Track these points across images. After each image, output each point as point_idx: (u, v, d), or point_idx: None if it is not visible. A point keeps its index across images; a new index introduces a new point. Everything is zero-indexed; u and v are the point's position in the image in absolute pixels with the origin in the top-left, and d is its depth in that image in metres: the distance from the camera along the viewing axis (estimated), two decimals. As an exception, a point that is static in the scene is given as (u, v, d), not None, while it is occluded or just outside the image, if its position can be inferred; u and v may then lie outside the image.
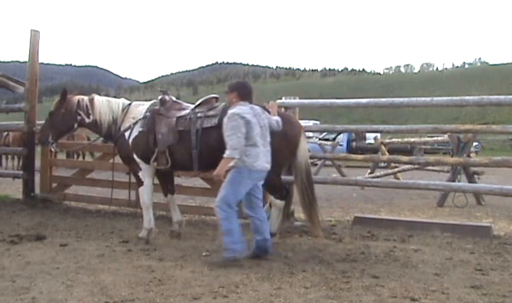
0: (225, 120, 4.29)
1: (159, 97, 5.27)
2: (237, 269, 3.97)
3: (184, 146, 4.93)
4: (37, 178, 7.66)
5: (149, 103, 5.38)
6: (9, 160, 16.20)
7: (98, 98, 5.43)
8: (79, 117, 5.34)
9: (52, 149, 6.29)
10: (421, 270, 4.05)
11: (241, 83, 4.78)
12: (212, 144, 4.84)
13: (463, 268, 4.12)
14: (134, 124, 5.16)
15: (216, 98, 5.23)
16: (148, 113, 5.15)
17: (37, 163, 7.70)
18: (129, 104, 5.39)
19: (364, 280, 3.72)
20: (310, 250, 4.73)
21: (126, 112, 5.28)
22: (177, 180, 7.01)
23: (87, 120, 5.35)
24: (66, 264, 4.09)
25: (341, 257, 4.46)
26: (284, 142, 4.83)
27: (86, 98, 5.42)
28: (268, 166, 4.37)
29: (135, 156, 5.13)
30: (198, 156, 4.90)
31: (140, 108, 5.29)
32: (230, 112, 4.28)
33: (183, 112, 5.07)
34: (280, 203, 4.97)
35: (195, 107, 5.09)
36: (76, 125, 5.46)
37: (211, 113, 4.95)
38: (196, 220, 6.44)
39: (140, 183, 5.19)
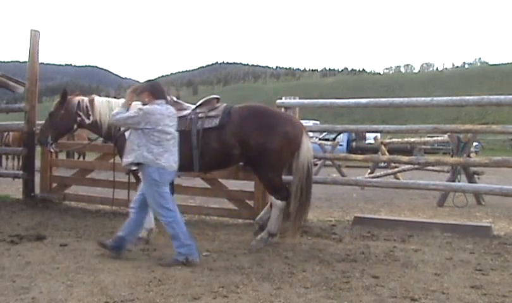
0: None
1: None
2: (237, 269, 3.97)
3: (185, 147, 4.90)
4: (37, 178, 7.66)
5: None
6: (9, 159, 16.20)
7: (98, 99, 5.42)
8: (79, 118, 5.33)
9: (52, 150, 6.27)
10: (421, 270, 4.05)
11: (152, 83, 4.80)
12: (213, 145, 4.85)
13: (463, 268, 4.12)
14: None
15: (217, 98, 5.23)
16: None
17: (37, 163, 7.70)
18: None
19: (364, 280, 3.72)
20: (310, 250, 4.73)
21: None
22: (177, 181, 7.01)
23: (87, 121, 5.34)
24: (66, 264, 4.08)
25: (341, 257, 4.46)
26: (284, 143, 4.84)
27: (86, 99, 5.41)
28: (175, 166, 4.43)
29: None
30: (199, 156, 4.89)
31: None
32: (143, 107, 4.38)
33: (184, 112, 5.06)
34: (281, 204, 4.96)
35: (196, 107, 5.09)
36: (75, 126, 5.45)
37: (212, 113, 4.95)
38: (196, 220, 6.44)
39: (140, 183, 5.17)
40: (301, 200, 4.90)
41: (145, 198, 4.40)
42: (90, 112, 5.31)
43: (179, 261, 4.11)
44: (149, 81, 4.87)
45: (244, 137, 4.83)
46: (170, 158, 4.32)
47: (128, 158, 4.36)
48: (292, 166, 5.08)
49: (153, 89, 4.48)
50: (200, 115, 4.98)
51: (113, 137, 5.34)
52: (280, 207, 4.98)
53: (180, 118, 4.98)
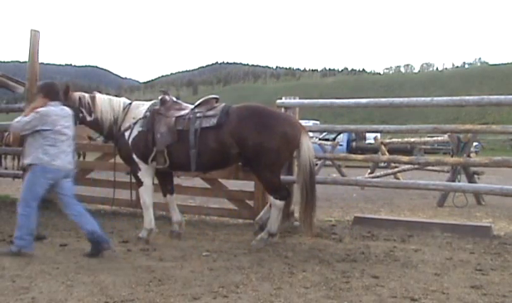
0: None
1: (159, 97, 5.26)
2: (237, 269, 3.98)
3: (182, 146, 4.93)
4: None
5: (149, 103, 5.36)
6: (9, 159, 16.18)
7: (100, 96, 5.39)
8: (81, 115, 5.26)
9: None
10: (421, 270, 4.05)
11: (47, 83, 4.80)
12: (211, 145, 4.85)
13: (463, 268, 4.12)
14: (134, 123, 5.13)
15: (216, 98, 5.23)
16: (148, 113, 5.13)
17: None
18: (130, 103, 5.37)
19: (364, 280, 3.72)
20: (310, 250, 4.73)
21: (127, 112, 5.25)
22: (177, 180, 7.01)
23: (88, 118, 5.25)
24: (66, 264, 4.09)
25: (341, 257, 4.46)
26: (282, 143, 4.84)
27: (87, 95, 5.37)
28: (70, 166, 4.53)
29: (134, 156, 5.10)
30: (197, 156, 4.90)
31: (141, 108, 5.27)
32: (39, 109, 4.44)
33: (182, 112, 5.07)
34: (280, 203, 4.95)
35: (195, 107, 5.09)
36: (77, 123, 5.36)
37: (210, 113, 4.95)
38: (196, 220, 6.44)
39: (139, 183, 5.17)
40: (308, 198, 4.92)
41: (61, 197, 4.56)
42: (92, 109, 5.24)
43: (14, 251, 4.31)
44: (45, 82, 4.86)
45: (242, 137, 4.82)
46: (65, 159, 4.45)
47: (26, 160, 4.48)
48: (294, 166, 5.10)
49: (48, 91, 4.56)
50: (198, 114, 4.98)
51: (114, 137, 5.32)
52: (279, 207, 4.97)
53: (178, 117, 5.01)
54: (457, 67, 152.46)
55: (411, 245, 5.02)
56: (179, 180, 7.33)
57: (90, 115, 5.25)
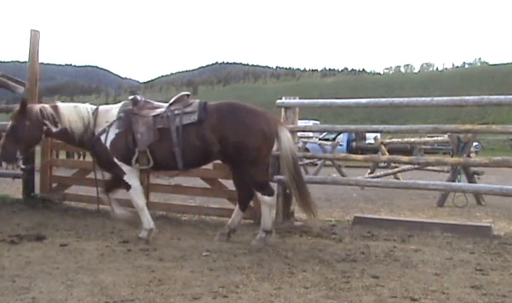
0: None
1: (130, 97, 5.20)
2: (237, 269, 3.98)
3: (165, 145, 4.91)
4: (37, 178, 7.66)
5: (119, 105, 5.26)
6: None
7: (63, 105, 5.16)
8: (45, 127, 5.00)
9: (22, 167, 5.64)
10: (421, 270, 4.05)
11: None
12: (193, 141, 4.86)
13: (463, 268, 4.12)
14: (109, 126, 5.02)
15: (188, 95, 5.23)
16: (122, 114, 5.04)
17: (37, 163, 7.70)
18: (97, 108, 5.24)
19: (364, 280, 3.72)
20: (310, 250, 4.73)
21: (96, 116, 5.10)
22: (177, 180, 7.01)
23: (54, 130, 5.03)
24: (66, 264, 4.08)
25: (341, 257, 4.46)
26: (261, 140, 4.89)
27: (47, 106, 5.12)
28: None
29: (116, 160, 4.99)
30: (182, 153, 4.88)
31: (112, 110, 5.16)
32: None
33: (159, 110, 5.04)
34: (268, 199, 4.95)
35: (170, 105, 5.07)
36: (43, 136, 5.13)
37: (188, 109, 4.94)
38: (196, 220, 6.44)
39: (127, 187, 5.06)
40: (299, 189, 5.00)
41: None
42: (57, 120, 5.02)
43: None
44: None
45: (223, 135, 4.85)
46: None
47: None
48: (280, 161, 5.16)
49: None
50: (176, 112, 4.96)
51: (87, 144, 5.15)
52: (269, 203, 4.99)
53: (156, 116, 4.97)
54: (457, 67, 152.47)
55: (411, 245, 5.02)
56: (179, 180, 7.33)
57: (56, 126, 5.03)
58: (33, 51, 7.63)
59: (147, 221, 5.09)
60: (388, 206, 8.29)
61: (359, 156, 8.29)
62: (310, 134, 20.66)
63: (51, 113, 5.03)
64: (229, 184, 6.64)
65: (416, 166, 9.56)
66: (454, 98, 5.84)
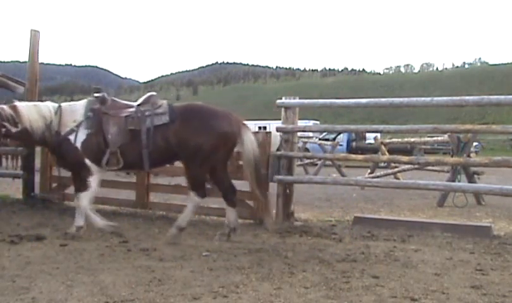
0: None
1: (97, 95, 5.11)
2: (237, 269, 3.97)
3: (135, 145, 4.88)
4: (37, 178, 7.66)
5: (82, 102, 5.16)
6: (9, 160, 16.17)
7: (22, 105, 5.05)
8: (3, 129, 4.89)
9: None
10: (421, 270, 4.05)
11: None
12: (162, 142, 4.88)
13: (463, 268, 4.11)
14: (78, 126, 4.93)
15: (155, 95, 5.23)
16: (90, 114, 4.97)
17: (37, 163, 7.70)
18: (59, 106, 5.11)
19: (364, 280, 3.72)
20: (310, 250, 4.73)
21: (61, 115, 4.99)
22: (177, 180, 7.01)
23: (14, 130, 4.90)
24: (66, 264, 4.08)
25: (341, 257, 4.46)
26: (222, 142, 4.97)
27: (6, 107, 4.99)
28: None
29: (87, 161, 4.93)
30: (149, 154, 4.88)
31: (79, 109, 5.05)
32: None
33: (129, 110, 5.01)
34: (198, 200, 5.04)
35: (139, 106, 5.06)
36: (1, 138, 5.15)
37: (159, 111, 4.95)
38: (196, 220, 6.44)
39: (86, 187, 4.96)
40: (260, 189, 5.16)
41: None
42: (17, 120, 4.91)
43: None
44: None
45: (184, 138, 4.88)
46: None
47: None
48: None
49: None
50: (146, 113, 4.94)
51: (50, 143, 5.05)
52: (197, 204, 5.06)
53: (127, 117, 4.93)
54: (457, 67, 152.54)
55: (411, 245, 5.02)
56: (180, 180, 7.32)
57: (16, 126, 4.91)
58: (33, 51, 7.63)
59: (81, 220, 5.07)
60: (388, 206, 8.29)
61: (359, 156, 8.30)
62: (310, 134, 20.69)
63: (10, 113, 4.92)
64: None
65: (416, 166, 9.56)
66: (454, 98, 5.85)
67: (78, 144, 4.91)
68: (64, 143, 4.93)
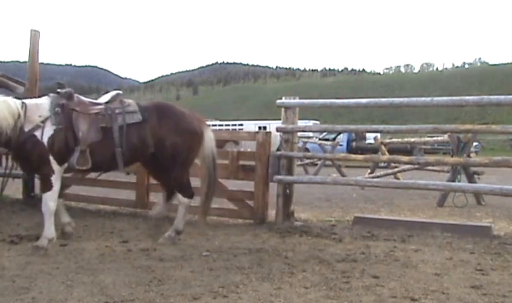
0: None
1: (63, 90, 4.78)
2: (237, 269, 3.97)
3: (107, 144, 4.72)
4: (37, 178, 7.65)
5: (46, 98, 4.78)
6: (9, 160, 16.17)
7: None
8: None
9: None
10: (421, 270, 4.05)
11: None
12: (135, 141, 4.82)
13: (463, 268, 4.12)
14: (44, 121, 4.57)
15: (122, 94, 5.17)
16: (58, 109, 4.64)
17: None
18: (23, 102, 4.67)
19: (364, 280, 3.72)
20: (310, 250, 4.73)
21: (25, 111, 4.55)
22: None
23: None
24: (66, 264, 4.08)
25: (341, 257, 4.46)
26: (194, 141, 5.01)
27: None
28: None
29: (51, 158, 4.58)
30: (123, 153, 4.77)
31: (43, 104, 4.68)
32: None
33: (98, 107, 4.82)
34: (187, 202, 5.05)
35: (107, 103, 4.90)
36: None
37: (130, 109, 4.87)
38: (196, 220, 6.43)
39: (48, 188, 4.63)
40: (208, 187, 5.21)
41: None
42: None
43: None
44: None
45: (162, 138, 4.88)
46: None
47: None
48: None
49: None
50: (117, 111, 4.79)
51: (14, 143, 4.54)
52: (187, 205, 5.07)
53: (97, 114, 4.78)
54: (457, 67, 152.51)
55: (411, 245, 5.02)
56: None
57: None
58: (33, 51, 7.63)
59: (52, 229, 4.68)
60: (388, 206, 8.29)
61: (359, 156, 8.29)
62: (310, 134, 20.69)
63: None
64: (229, 184, 6.66)
65: (416, 166, 9.56)
66: (454, 98, 5.85)
67: (45, 140, 4.55)
68: (29, 140, 4.53)
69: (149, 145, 4.88)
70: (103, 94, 5.26)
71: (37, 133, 4.56)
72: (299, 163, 14.52)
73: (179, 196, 5.05)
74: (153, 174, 5.54)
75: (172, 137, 4.89)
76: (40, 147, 4.55)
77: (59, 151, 4.61)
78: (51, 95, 4.80)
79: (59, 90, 4.80)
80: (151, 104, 5.11)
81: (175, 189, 5.11)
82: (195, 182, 7.32)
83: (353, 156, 8.12)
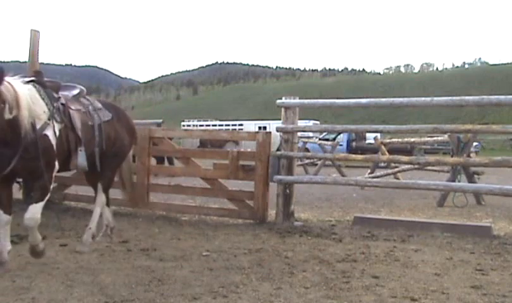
0: None
1: (51, 80, 4.20)
2: (237, 269, 3.97)
3: (90, 143, 4.36)
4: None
5: (28, 87, 3.83)
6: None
7: (17, 83, 3.72)
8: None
9: None
10: (421, 270, 4.05)
11: None
12: (109, 139, 4.62)
13: (463, 268, 4.11)
14: (49, 119, 3.87)
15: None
16: (60, 105, 4.04)
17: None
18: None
19: (364, 280, 3.72)
20: (310, 250, 4.73)
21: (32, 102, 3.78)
22: (178, 180, 6.99)
23: (8, 117, 3.56)
24: (66, 264, 4.08)
25: (341, 257, 4.46)
26: (134, 140, 5.19)
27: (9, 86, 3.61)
28: None
29: (57, 163, 3.97)
30: (100, 153, 4.48)
31: (40, 97, 3.87)
32: None
33: (80, 103, 4.45)
34: (104, 201, 4.89)
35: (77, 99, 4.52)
36: None
37: (99, 106, 4.65)
38: (196, 220, 6.44)
39: (43, 198, 3.94)
40: (129, 180, 5.44)
41: None
42: (14, 104, 3.58)
43: None
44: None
45: (122, 137, 4.86)
46: None
47: None
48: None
49: None
50: (90, 107, 4.48)
51: (17, 142, 3.65)
52: (103, 205, 4.89)
53: (84, 112, 4.41)
54: (457, 67, 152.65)
55: (411, 245, 5.02)
56: (180, 179, 7.31)
57: (11, 113, 3.59)
58: (33, 51, 7.62)
59: (39, 238, 4.04)
60: (388, 206, 8.29)
61: (359, 156, 8.30)
62: (310, 134, 20.68)
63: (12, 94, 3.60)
64: (229, 184, 6.66)
65: (416, 166, 9.56)
66: (454, 98, 5.84)
67: (54, 142, 3.89)
68: (42, 140, 3.76)
69: (115, 144, 4.74)
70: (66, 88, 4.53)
71: (49, 132, 3.84)
72: (299, 163, 14.51)
73: (103, 196, 4.80)
74: (88, 178, 4.97)
75: (126, 136, 4.92)
76: (50, 150, 3.86)
77: (63, 154, 4.08)
78: (36, 85, 3.92)
79: (46, 79, 4.08)
80: (105, 102, 4.99)
81: (103, 187, 4.77)
82: (195, 181, 7.33)
83: (353, 156, 8.12)
